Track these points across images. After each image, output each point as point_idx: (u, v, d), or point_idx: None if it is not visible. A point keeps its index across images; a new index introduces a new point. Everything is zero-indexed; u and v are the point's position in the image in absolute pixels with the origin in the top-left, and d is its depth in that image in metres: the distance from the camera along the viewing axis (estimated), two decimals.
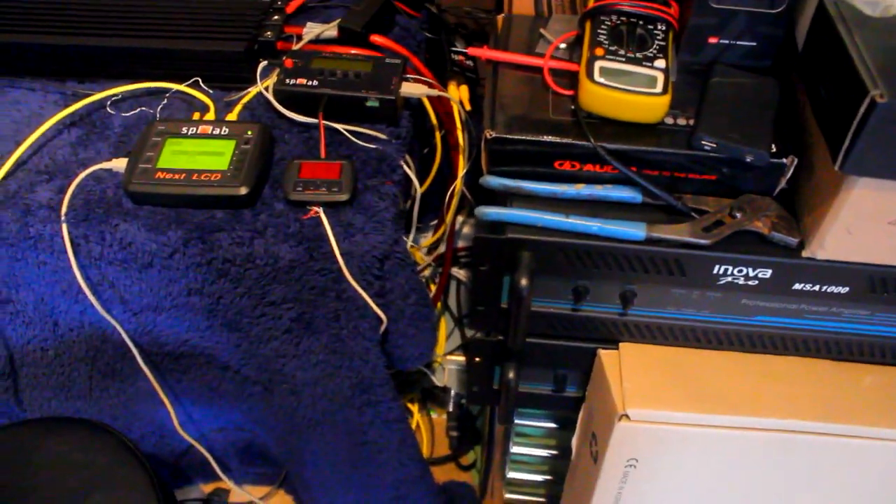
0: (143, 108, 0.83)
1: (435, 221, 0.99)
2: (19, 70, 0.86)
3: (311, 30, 0.86)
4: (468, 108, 0.88)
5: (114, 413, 0.95)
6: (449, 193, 0.89)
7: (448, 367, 1.08)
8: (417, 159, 0.87)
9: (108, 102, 0.83)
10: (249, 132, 0.76)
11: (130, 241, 0.73)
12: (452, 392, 1.12)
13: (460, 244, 1.10)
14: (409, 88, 0.80)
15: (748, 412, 0.71)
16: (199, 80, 0.84)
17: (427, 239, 0.97)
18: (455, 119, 0.86)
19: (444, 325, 1.10)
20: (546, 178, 0.70)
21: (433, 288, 1.01)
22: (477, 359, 0.80)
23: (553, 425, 0.97)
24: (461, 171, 0.87)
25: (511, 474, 1.06)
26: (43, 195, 0.75)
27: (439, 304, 1.05)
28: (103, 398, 0.93)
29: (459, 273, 1.12)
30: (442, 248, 0.98)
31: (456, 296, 1.13)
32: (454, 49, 0.91)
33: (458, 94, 0.90)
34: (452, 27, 0.99)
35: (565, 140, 0.68)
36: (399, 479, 0.93)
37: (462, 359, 1.07)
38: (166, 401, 0.88)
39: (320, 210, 0.72)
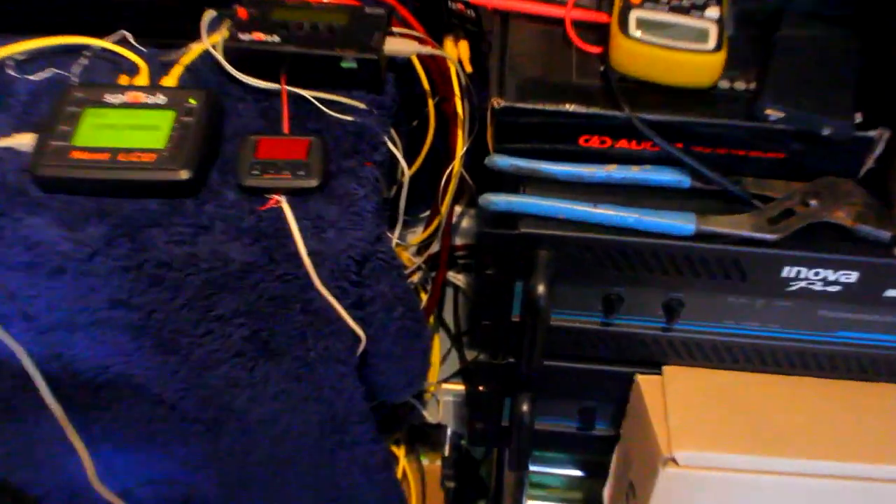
0: (56, 70, 0.84)
1: (427, 213, 1.00)
2: None
3: None
4: (469, 69, 0.89)
5: (12, 463, 0.95)
6: (444, 177, 0.89)
7: (443, 398, 1.09)
8: (405, 135, 0.88)
9: (11, 62, 0.84)
10: (192, 101, 0.77)
11: (38, 239, 0.73)
12: (449, 431, 1.13)
13: (459, 242, 1.11)
14: (395, 45, 0.81)
15: (825, 455, 0.72)
16: (128, 34, 0.85)
17: (417, 235, 0.98)
18: (453, 83, 0.86)
19: (439, 345, 1.10)
20: (569, 157, 0.71)
21: (424, 297, 1.02)
22: (481, 388, 0.82)
23: (578, 473, 0.98)
24: (460, 150, 0.88)
25: None
26: None
27: (432, 319, 1.06)
28: None
29: (458, 278, 1.13)
30: (436, 247, 0.99)
31: (453, 307, 1.14)
32: (469, 7, 0.91)
33: (456, 52, 0.90)
34: None
35: (593, 110, 0.69)
36: None
37: (461, 388, 1.09)
38: (80, 446, 0.88)
39: (282, 199, 0.73)
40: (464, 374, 1.09)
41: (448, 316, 1.14)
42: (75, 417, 0.87)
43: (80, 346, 0.81)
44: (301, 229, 0.72)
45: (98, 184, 0.74)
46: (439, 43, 0.90)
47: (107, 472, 0.93)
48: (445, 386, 1.09)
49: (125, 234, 0.73)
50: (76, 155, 0.74)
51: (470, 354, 1.10)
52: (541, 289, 0.68)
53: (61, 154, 0.74)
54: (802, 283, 0.70)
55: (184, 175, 0.73)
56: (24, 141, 0.76)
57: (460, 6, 0.93)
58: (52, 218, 0.73)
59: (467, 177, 0.95)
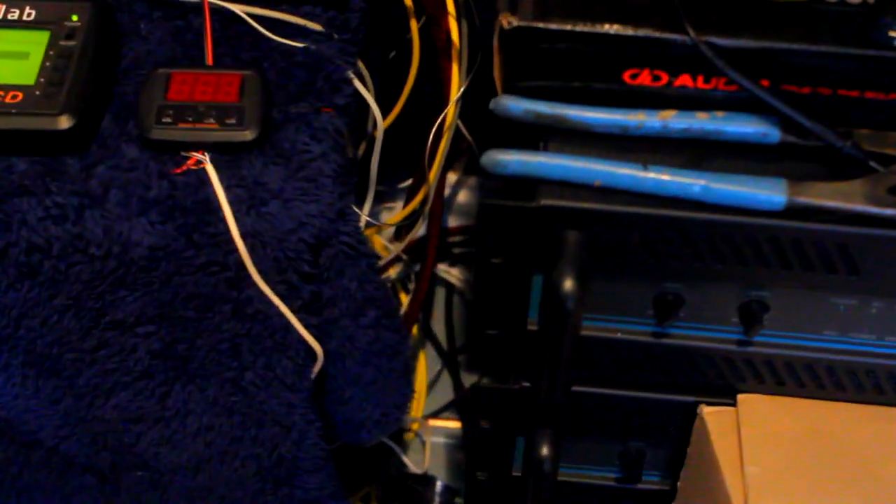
0: None
1: (409, 182, 1.00)
2: None
3: None
4: None
5: None
6: (433, 131, 0.89)
7: (431, 440, 1.10)
8: (380, 71, 0.88)
9: None
10: (74, 17, 0.77)
11: None
12: (439, 485, 1.14)
13: (452, 223, 1.11)
14: None
15: None
16: None
17: (395, 213, 0.97)
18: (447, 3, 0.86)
19: (425, 365, 1.11)
20: (609, 99, 0.72)
21: (405, 299, 1.03)
22: (484, 423, 0.80)
23: None
24: (455, 92, 0.88)
25: None
26: None
27: (416, 329, 1.07)
28: None
29: (451, 273, 1.13)
30: (421, 231, 0.99)
31: (445, 313, 1.15)
32: None
33: None
34: None
35: (643, 32, 0.69)
36: None
37: (456, 425, 1.09)
38: None
39: (205, 158, 0.73)
40: (459, 405, 1.09)
41: (438, 325, 1.15)
42: None
43: None
44: (232, 201, 0.71)
45: None
46: None
47: None
48: (434, 423, 1.11)
49: None
50: None
51: (468, 379, 1.11)
52: (568, 284, 0.68)
53: None
54: None
55: (64, 123, 0.73)
56: None
57: None
58: None
59: (465, 131, 0.96)
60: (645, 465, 0.83)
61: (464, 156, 1.02)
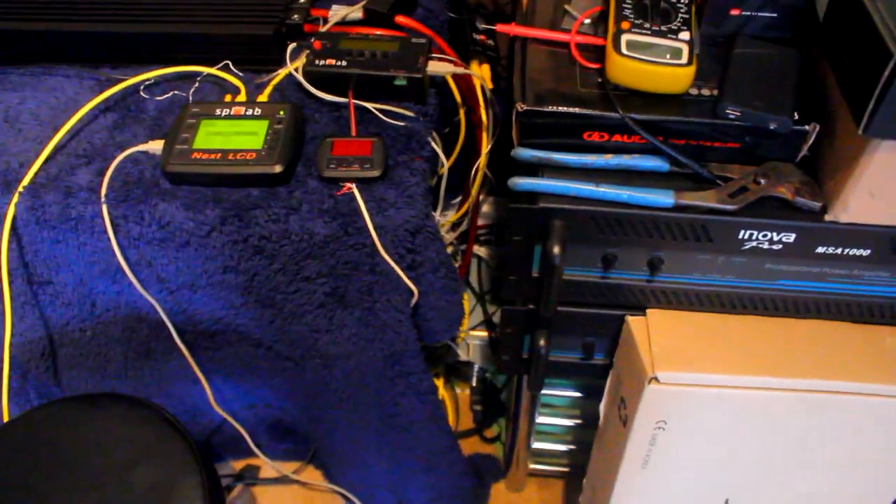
0: (176, 92, 0.84)
1: (457, 200, 1.00)
2: (55, 57, 0.87)
3: (337, 12, 0.87)
4: (490, 86, 0.88)
5: (147, 392, 0.96)
6: (473, 170, 0.89)
7: (471, 342, 1.09)
8: (442, 137, 0.87)
9: (142, 87, 0.84)
10: (281, 112, 0.77)
11: (168, 220, 0.74)
12: (476, 367, 1.13)
13: (480, 222, 1.11)
14: (435, 67, 0.80)
15: (773, 373, 0.72)
16: (230, 63, 0.85)
17: (449, 217, 0.97)
18: (478, 97, 0.86)
19: (467, 301, 1.11)
20: (576, 148, 0.71)
21: (456, 265, 1.01)
22: (509, 329, 0.81)
23: (577, 394, 0.98)
24: (485, 148, 0.88)
25: (536, 444, 1.07)
26: (83, 178, 0.76)
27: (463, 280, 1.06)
28: (138, 377, 0.94)
29: (480, 251, 1.14)
30: (464, 226, 0.99)
31: (477, 273, 1.14)
32: (478, 28, 0.91)
33: (480, 72, 0.90)
34: (473, 7, 1.00)
35: (594, 112, 0.69)
36: (429, 450, 0.94)
37: (485, 334, 1.09)
38: (202, 378, 0.89)
39: (353, 186, 0.73)
40: (487, 323, 1.08)
41: (473, 280, 1.14)
42: (196, 356, 0.88)
43: (199, 303, 0.81)
44: (368, 209, 0.72)
45: (213, 177, 0.74)
46: (467, 65, 0.89)
47: (218, 398, 0.94)
48: (473, 332, 1.09)
49: (234, 215, 0.73)
50: (196, 155, 0.74)
51: (491, 309, 1.10)
52: (556, 250, 0.69)
53: (184, 155, 0.74)
54: (754, 243, 0.70)
55: (277, 169, 0.73)
56: (156, 146, 0.76)
57: (482, 37, 0.94)
58: (179, 204, 0.74)
59: (488, 171, 0.95)
60: (595, 350, 0.83)
61: (487, 185, 1.02)
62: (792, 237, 0.69)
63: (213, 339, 0.87)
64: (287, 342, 0.84)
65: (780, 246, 0.70)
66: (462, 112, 0.88)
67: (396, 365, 0.83)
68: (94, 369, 0.93)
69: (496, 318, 1.08)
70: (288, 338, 0.84)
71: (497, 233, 1.14)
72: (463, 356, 1.08)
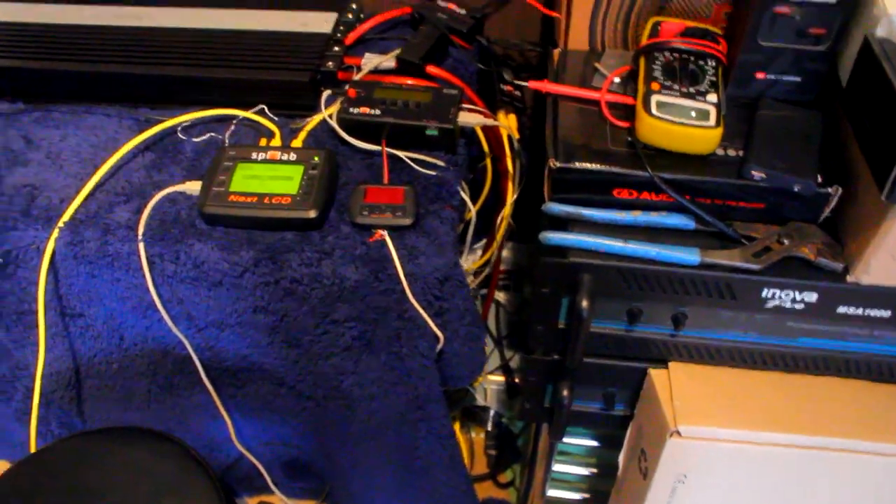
0: (213, 134, 0.86)
1: (480, 244, 1.02)
2: (95, 97, 0.90)
3: (370, 60, 0.90)
4: (517, 136, 0.90)
5: (167, 425, 0.97)
6: (498, 219, 0.91)
7: (488, 387, 1.10)
8: (471, 185, 0.89)
9: (179, 128, 0.87)
10: (316, 158, 0.79)
11: (203, 260, 0.76)
12: (492, 411, 1.14)
13: (501, 268, 1.12)
14: (466, 118, 0.83)
15: (793, 430, 0.72)
16: (265, 107, 0.87)
17: (473, 262, 0.98)
18: (505, 147, 0.88)
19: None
20: (604, 204, 0.73)
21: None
22: (532, 378, 0.82)
23: (595, 443, 0.99)
24: (510, 198, 0.89)
25: (551, 492, 1.07)
26: (121, 216, 0.79)
27: None
28: (159, 410, 0.95)
29: (498, 295, 1.15)
30: (487, 272, 1.00)
31: (495, 317, 1.15)
32: (505, 79, 0.93)
33: (507, 122, 0.92)
34: (500, 59, 1.03)
35: (624, 170, 0.70)
36: (446, 494, 0.94)
37: (501, 379, 1.09)
38: (225, 414, 0.91)
39: (385, 233, 0.75)
40: (504, 368, 1.09)
41: (490, 324, 1.14)
42: (219, 392, 0.89)
43: (226, 340, 0.83)
44: (399, 257, 0.73)
45: (248, 220, 0.76)
46: (494, 115, 0.92)
47: (237, 433, 0.95)
48: (490, 377, 1.09)
49: (268, 257, 0.75)
50: (232, 198, 0.76)
51: (508, 354, 1.10)
52: (584, 303, 0.70)
53: (221, 197, 0.76)
54: (776, 302, 0.72)
55: (312, 214, 0.75)
56: (193, 187, 0.79)
57: (509, 88, 0.96)
58: (214, 244, 0.76)
59: (511, 221, 0.95)
60: (616, 401, 0.83)
61: (509, 230, 1.04)
62: (814, 297, 0.71)
63: (236, 376, 0.88)
64: (310, 382, 0.85)
65: (803, 305, 0.71)
66: (489, 161, 0.90)
67: (419, 409, 0.84)
68: (116, 401, 0.94)
69: (513, 363, 1.09)
70: (312, 378, 0.85)
71: (516, 278, 1.15)
72: (480, 400, 1.09)
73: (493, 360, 1.11)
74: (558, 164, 0.70)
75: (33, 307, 0.81)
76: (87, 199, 0.80)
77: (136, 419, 0.97)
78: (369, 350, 0.80)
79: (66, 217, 0.78)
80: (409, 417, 0.85)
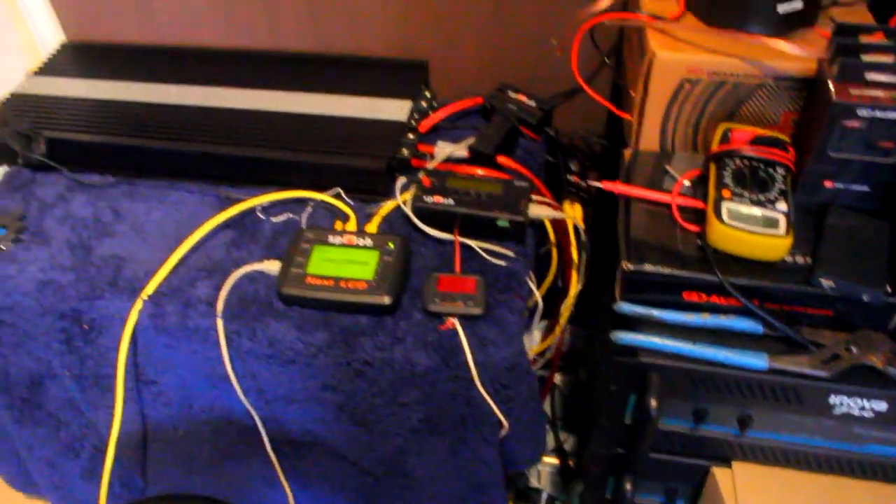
0: (290, 215, 0.90)
1: (541, 324, 1.03)
2: (179, 174, 0.95)
3: (443, 149, 0.93)
4: (582, 226, 0.92)
5: (224, 492, 0.99)
6: (562, 307, 0.92)
7: (542, 469, 1.10)
8: (537, 274, 0.91)
9: (259, 208, 0.91)
10: (391, 244, 0.82)
11: (279, 339, 0.79)
12: (545, 494, 1.13)
13: None
14: (536, 210, 0.85)
15: None
16: (341, 191, 0.91)
17: (534, 346, 1.00)
18: (570, 237, 0.90)
19: None
20: (674, 306, 0.74)
21: None
22: (595, 470, 0.82)
23: None
24: (574, 289, 0.90)
25: None
26: (202, 291, 0.82)
27: None
28: (218, 476, 0.98)
29: (555, 377, 1.16)
30: (548, 356, 1.01)
31: (550, 399, 1.16)
32: (571, 169, 0.96)
33: (572, 212, 0.94)
34: (567, 149, 1.06)
35: (694, 274, 0.72)
36: None
37: (556, 461, 1.10)
38: (286, 485, 0.92)
39: (456, 322, 0.77)
40: (558, 451, 1.09)
41: (545, 405, 1.14)
42: (280, 462, 0.91)
43: (293, 414, 0.85)
44: (470, 345, 0.75)
45: (325, 302, 0.79)
46: (560, 203, 0.94)
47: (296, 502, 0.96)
48: (544, 459, 1.09)
49: (342, 340, 0.78)
50: (310, 280, 0.79)
51: (563, 436, 1.10)
52: (653, 403, 0.71)
53: (299, 279, 0.80)
54: (844, 409, 0.72)
55: (387, 300, 0.78)
56: (271, 266, 0.82)
57: (576, 178, 0.99)
58: (290, 324, 0.79)
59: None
60: (677, 495, 0.83)
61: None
62: (883, 406, 0.71)
63: (298, 449, 0.90)
64: (373, 460, 0.87)
65: (871, 413, 0.72)
66: (555, 251, 0.93)
67: (480, 494, 0.85)
68: (178, 465, 0.97)
69: (567, 445, 1.09)
70: (375, 456, 0.86)
71: (572, 360, 1.16)
72: (533, 482, 1.09)
73: (548, 442, 1.11)
74: (631, 267, 0.72)
75: (111, 372, 0.85)
76: (169, 273, 0.84)
77: (196, 483, 0.99)
78: (434, 433, 0.82)
79: (149, 290, 0.82)
80: (469, 500, 0.86)
